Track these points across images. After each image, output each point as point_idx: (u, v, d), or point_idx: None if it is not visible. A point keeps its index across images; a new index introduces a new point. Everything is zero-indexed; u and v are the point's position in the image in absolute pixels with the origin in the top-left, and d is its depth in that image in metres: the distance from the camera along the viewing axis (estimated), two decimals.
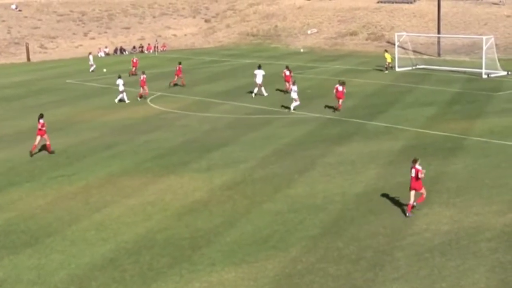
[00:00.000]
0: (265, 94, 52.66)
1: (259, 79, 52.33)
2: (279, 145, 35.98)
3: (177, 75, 59.30)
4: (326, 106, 46.27)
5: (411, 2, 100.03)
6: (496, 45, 65.27)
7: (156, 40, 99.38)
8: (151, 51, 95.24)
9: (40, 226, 24.88)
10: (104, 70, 73.18)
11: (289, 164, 32.13)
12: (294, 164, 31.98)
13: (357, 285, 19.09)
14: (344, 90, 44.93)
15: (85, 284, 19.85)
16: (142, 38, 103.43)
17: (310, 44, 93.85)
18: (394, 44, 71.04)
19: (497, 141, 35.05)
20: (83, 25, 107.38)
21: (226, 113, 46.27)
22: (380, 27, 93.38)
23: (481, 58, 60.51)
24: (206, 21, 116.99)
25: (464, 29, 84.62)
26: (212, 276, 20.02)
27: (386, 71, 64.76)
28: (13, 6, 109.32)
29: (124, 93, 51.82)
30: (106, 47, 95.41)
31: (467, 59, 71.65)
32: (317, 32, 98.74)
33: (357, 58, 78.95)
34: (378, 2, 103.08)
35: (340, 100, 44.83)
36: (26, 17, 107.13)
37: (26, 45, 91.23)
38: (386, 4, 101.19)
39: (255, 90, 52.77)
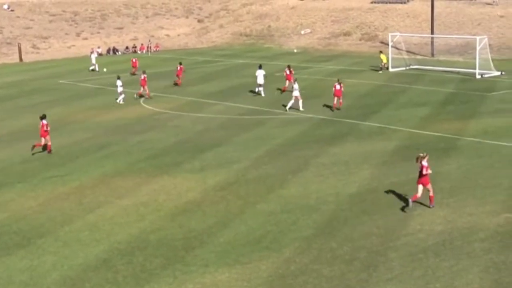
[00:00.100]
0: (263, 94, 52.70)
1: (260, 80, 52.44)
2: (273, 146, 35.93)
3: (178, 75, 59.42)
4: (325, 105, 46.39)
5: (404, 2, 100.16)
6: (489, 45, 65.39)
7: (149, 40, 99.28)
8: (144, 51, 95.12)
9: (33, 227, 24.75)
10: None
11: (282, 164, 32.08)
12: (287, 165, 31.93)
13: (350, 285, 19.03)
14: (342, 88, 45.25)
15: (78, 285, 19.74)
16: (135, 38, 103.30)
17: (303, 44, 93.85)
18: (388, 44, 71.08)
19: (490, 142, 35.06)
20: (75, 25, 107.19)
21: (219, 113, 46.20)
22: (374, 27, 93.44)
23: (475, 58, 60.59)
24: (199, 21, 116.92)
25: (457, 29, 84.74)
26: (206, 277, 19.94)
27: (380, 72, 64.79)
28: (5, 6, 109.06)
29: (122, 95, 51.67)
30: (99, 47, 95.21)
31: (460, 59, 71.75)
32: (311, 32, 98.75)
33: (351, 58, 78.97)
34: (371, 2, 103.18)
35: (336, 98, 45.15)
36: (18, 17, 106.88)
37: (18, 45, 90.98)
38: (380, 4, 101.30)
39: (260, 89, 53.13)
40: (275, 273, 20.02)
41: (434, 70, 65.02)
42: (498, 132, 37.26)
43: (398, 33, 76.02)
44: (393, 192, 27.06)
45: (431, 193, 25.13)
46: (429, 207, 25.07)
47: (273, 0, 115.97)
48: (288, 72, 53.24)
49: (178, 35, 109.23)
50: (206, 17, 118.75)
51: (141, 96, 53.05)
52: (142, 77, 53.01)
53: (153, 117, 45.70)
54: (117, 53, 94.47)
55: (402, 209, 25.00)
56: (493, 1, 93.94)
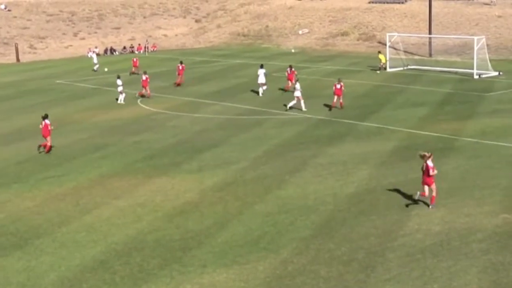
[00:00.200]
0: (260, 94, 52.72)
1: (261, 79, 52.52)
2: (270, 146, 35.87)
3: (179, 75, 59.48)
4: (322, 106, 46.43)
5: (402, 2, 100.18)
6: (487, 45, 65.38)
7: (147, 40, 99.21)
8: (141, 51, 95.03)
9: (29, 227, 24.68)
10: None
11: (280, 165, 32.03)
12: (285, 165, 31.88)
13: (348, 286, 18.97)
14: (343, 88, 45.49)
15: (75, 286, 19.67)
16: (133, 38, 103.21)
17: (301, 44, 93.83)
18: (386, 45, 71.06)
19: (488, 142, 35.03)
20: (73, 25, 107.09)
21: (217, 113, 46.14)
22: (372, 27, 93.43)
23: (473, 58, 60.60)
24: (196, 21, 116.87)
25: (455, 30, 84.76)
26: (203, 277, 19.88)
27: (378, 72, 64.78)
28: (2, 6, 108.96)
29: (123, 95, 51.60)
30: (96, 47, 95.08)
31: (458, 59, 71.76)
32: (308, 32, 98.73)
33: (348, 58, 78.95)
34: (369, 2, 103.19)
35: (336, 98, 45.37)
36: (15, 17, 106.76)
37: (15, 45, 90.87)
38: (377, 4, 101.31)
39: (261, 89, 53.29)
40: (272, 273, 19.97)
41: (432, 70, 65.01)
42: (496, 132, 37.23)
43: (396, 33, 76.02)
44: (391, 192, 27.03)
45: (434, 193, 25.11)
46: (428, 206, 25.03)
47: (271, 0, 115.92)
48: (289, 71, 53.31)
49: (176, 35, 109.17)
50: (204, 17, 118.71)
51: (142, 96, 53.03)
52: (144, 77, 53.06)
53: (150, 117, 45.62)
54: (114, 53, 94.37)
55: (407, 205, 25.20)
56: (491, 1, 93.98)
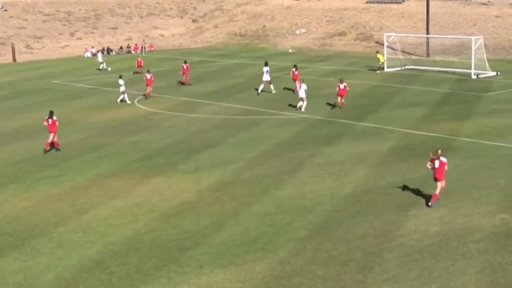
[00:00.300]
0: (259, 91, 52.89)
1: (266, 77, 52.76)
2: (267, 146, 35.81)
3: (184, 74, 59.56)
4: (320, 106, 46.47)
5: (400, 2, 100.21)
6: (485, 45, 65.42)
7: (144, 40, 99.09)
8: (138, 51, 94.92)
9: (26, 228, 24.60)
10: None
11: (277, 165, 31.97)
12: (282, 165, 31.82)
13: (346, 287, 18.92)
14: (347, 87, 45.72)
15: (72, 287, 19.60)
16: (130, 38, 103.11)
17: (298, 44, 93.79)
18: (383, 45, 71.06)
19: (486, 142, 35.00)
20: (69, 25, 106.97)
21: (214, 113, 46.08)
22: (369, 27, 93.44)
23: (470, 58, 60.56)
24: (193, 21, 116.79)
25: (453, 30, 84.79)
26: (200, 278, 19.82)
27: (378, 71, 64.73)
28: None
29: (125, 94, 51.56)
30: (92, 47, 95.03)
31: (456, 59, 71.75)
32: (306, 32, 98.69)
33: (346, 58, 78.94)
34: (366, 2, 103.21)
35: (339, 98, 45.59)
36: (11, 17, 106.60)
37: (11, 45, 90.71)
38: (375, 4, 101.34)
39: (271, 87, 53.69)
40: (270, 274, 19.91)
41: (429, 70, 65.01)
42: (493, 132, 37.21)
43: (393, 33, 76.01)
44: (388, 192, 26.99)
45: (437, 191, 25.18)
46: (427, 204, 25.02)
47: (268, 0, 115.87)
48: (296, 72, 53.46)
49: (173, 35, 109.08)
50: (201, 17, 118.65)
51: (146, 96, 53.09)
52: (148, 76, 53.06)
53: (147, 117, 45.55)
54: (111, 53, 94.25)
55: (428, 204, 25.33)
56: (489, 1, 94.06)
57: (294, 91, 52.26)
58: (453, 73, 62.47)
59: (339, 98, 45.64)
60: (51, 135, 36.01)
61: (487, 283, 18.78)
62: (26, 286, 19.76)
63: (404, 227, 23.22)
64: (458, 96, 50.01)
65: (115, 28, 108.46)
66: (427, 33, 77.80)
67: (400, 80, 59.05)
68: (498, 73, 60.41)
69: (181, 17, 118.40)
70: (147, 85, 53.20)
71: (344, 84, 45.59)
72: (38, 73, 74.02)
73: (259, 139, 37.65)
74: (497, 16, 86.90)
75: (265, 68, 53.72)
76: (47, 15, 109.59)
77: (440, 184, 25.23)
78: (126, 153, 35.53)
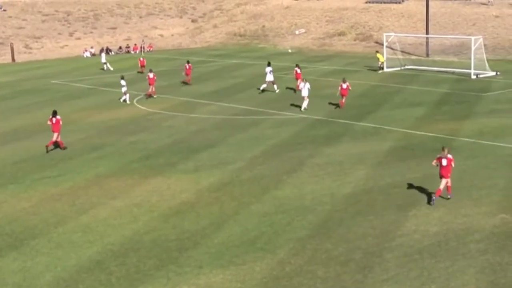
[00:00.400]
0: (261, 88, 53.49)
1: (269, 77, 52.77)
2: (267, 146, 35.78)
3: (187, 74, 59.61)
4: (320, 105, 46.56)
5: (399, 2, 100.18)
6: (484, 45, 65.41)
7: (143, 40, 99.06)
8: (137, 51, 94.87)
9: (25, 228, 24.55)
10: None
11: (277, 165, 31.93)
12: (282, 165, 31.78)
13: (346, 287, 18.89)
14: (349, 87, 45.95)
15: (71, 287, 19.56)
16: (129, 38, 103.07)
17: (298, 45, 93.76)
18: (383, 45, 71.02)
19: (486, 142, 34.97)
20: (68, 25, 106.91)
21: (213, 113, 46.03)
22: (369, 27, 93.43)
23: (470, 58, 60.53)
24: (193, 21, 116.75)
25: (452, 29, 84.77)
26: (200, 278, 19.78)
27: (380, 71, 64.66)
28: None
29: (127, 95, 51.52)
30: (91, 47, 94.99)
31: (455, 59, 71.73)
32: (305, 32, 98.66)
33: (345, 58, 78.92)
34: (366, 2, 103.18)
35: (343, 97, 45.78)
36: (10, 17, 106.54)
37: (10, 45, 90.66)
38: (374, 4, 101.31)
39: (275, 87, 53.87)
40: (269, 274, 19.87)
41: (429, 70, 64.98)
42: (493, 132, 37.18)
43: (392, 33, 75.97)
44: (388, 192, 26.96)
45: (441, 187, 25.43)
46: (429, 203, 25.25)
47: (267, 0, 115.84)
48: (298, 71, 53.64)
49: (172, 35, 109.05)
50: (200, 17, 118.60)
51: (150, 96, 53.04)
52: (151, 75, 53.09)
53: (146, 117, 45.50)
54: (110, 53, 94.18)
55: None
56: (488, 1, 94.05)
57: (295, 90, 52.32)
58: (453, 73, 62.45)
59: (343, 98, 45.75)
60: (55, 134, 36.06)
61: (487, 283, 18.75)
62: (25, 287, 19.72)
63: (404, 227, 23.19)
64: (458, 96, 49.98)
65: (114, 28, 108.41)
66: (427, 33, 77.77)
67: (399, 80, 59.02)
68: (498, 73, 60.39)
69: (180, 17, 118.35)
70: (149, 84, 53.21)
71: (347, 83, 45.69)
72: (37, 73, 73.97)
73: (258, 139, 37.61)
74: (496, 16, 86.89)
75: (269, 68, 53.84)
76: (46, 15, 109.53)
77: (444, 181, 25.47)
78: (126, 153, 35.49)
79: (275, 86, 53.79)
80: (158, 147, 36.55)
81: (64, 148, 36.29)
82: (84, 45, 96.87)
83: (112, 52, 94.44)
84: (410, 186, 27.65)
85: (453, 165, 25.62)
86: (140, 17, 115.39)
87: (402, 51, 74.72)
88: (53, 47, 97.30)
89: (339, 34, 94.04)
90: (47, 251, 22.27)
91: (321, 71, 67.45)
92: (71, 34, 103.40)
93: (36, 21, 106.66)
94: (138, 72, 69.04)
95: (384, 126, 39.62)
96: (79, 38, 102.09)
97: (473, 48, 60.21)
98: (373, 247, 21.51)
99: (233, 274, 19.96)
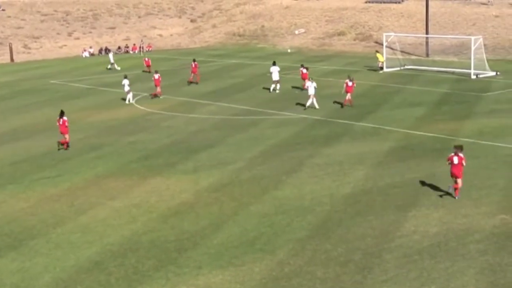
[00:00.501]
0: (274, 89, 53.65)
1: (275, 76, 52.87)
2: (266, 146, 35.72)
3: (193, 73, 59.63)
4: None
5: (399, 2, 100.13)
6: (484, 45, 65.35)
7: (142, 40, 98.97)
8: (136, 51, 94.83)
9: (24, 228, 24.51)
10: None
11: (276, 165, 31.87)
12: (281, 165, 31.73)
13: None
14: (354, 84, 46.29)
15: None
16: (128, 38, 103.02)
17: (297, 44, 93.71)
18: (382, 44, 70.96)
19: (485, 142, 34.90)
20: (67, 25, 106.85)
21: (212, 114, 45.98)
22: (368, 27, 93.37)
23: (470, 58, 60.43)
24: (192, 21, 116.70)
25: (452, 29, 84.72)
26: (199, 279, 19.73)
27: (381, 72, 64.56)
28: None
29: (131, 93, 51.50)
30: (90, 47, 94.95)
31: (455, 59, 71.67)
32: (305, 32, 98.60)
33: (345, 58, 78.85)
34: (366, 2, 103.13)
35: (349, 95, 46.02)
36: (9, 16, 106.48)
37: (9, 45, 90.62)
38: (374, 4, 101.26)
39: (276, 86, 53.87)
40: (269, 275, 19.82)
41: (429, 70, 64.92)
42: (493, 132, 37.12)
43: (392, 33, 75.89)
44: (387, 193, 26.90)
45: (460, 185, 25.77)
46: (450, 194, 25.72)
47: (267, 0, 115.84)
48: (304, 71, 53.83)
49: (171, 35, 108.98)
50: (199, 16, 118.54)
51: (155, 95, 53.00)
52: (156, 76, 53.09)
53: (145, 117, 45.46)
54: (109, 53, 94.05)
55: (441, 196, 26.01)
56: (488, 1, 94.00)
57: (302, 88, 52.37)
58: (453, 73, 62.38)
59: (348, 95, 45.82)
60: (66, 136, 36.15)
61: (486, 283, 18.70)
62: (23, 287, 19.67)
63: (403, 228, 23.13)
64: (458, 96, 49.92)
65: (113, 28, 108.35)
66: (427, 33, 77.71)
67: (399, 80, 58.96)
68: (498, 73, 60.32)
69: (180, 17, 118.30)
70: (155, 85, 53.21)
71: (354, 81, 45.96)
72: (36, 73, 73.93)
73: (258, 139, 37.55)
74: (496, 16, 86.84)
75: (276, 68, 53.85)
76: (45, 15, 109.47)
77: (459, 181, 25.73)
78: (125, 153, 35.44)
79: (277, 86, 53.77)
80: (157, 147, 36.49)
81: (66, 149, 36.21)
82: (83, 45, 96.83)
83: (111, 52, 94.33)
84: (410, 186, 27.60)
85: (464, 163, 25.73)
86: (139, 17, 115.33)
87: (402, 51, 74.68)
88: (52, 47, 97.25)
89: (339, 34, 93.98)
90: (45, 252, 22.23)
91: (321, 71, 67.35)
92: (70, 34, 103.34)
93: (35, 21, 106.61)
94: (144, 71, 69.25)
95: (384, 126, 39.57)
96: (78, 38, 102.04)
97: (473, 48, 60.14)
98: (373, 248, 21.46)
99: (232, 275, 19.90)
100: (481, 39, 62.88)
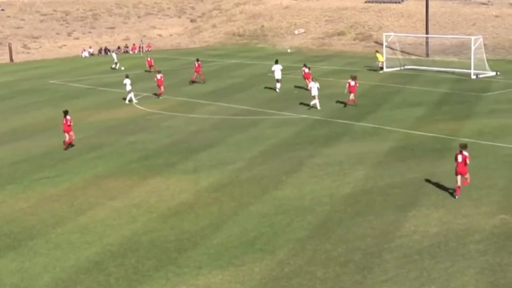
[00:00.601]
0: (277, 90, 53.47)
1: (277, 74, 52.91)
2: (266, 146, 35.70)
3: (196, 72, 59.67)
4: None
5: (399, 2, 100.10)
6: (484, 45, 65.30)
7: (141, 40, 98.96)
8: (136, 51, 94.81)
9: (24, 228, 24.49)
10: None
11: (276, 165, 31.85)
12: (281, 165, 31.70)
13: None
14: (357, 84, 46.41)
15: None
16: (127, 38, 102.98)
17: (297, 44, 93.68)
18: (382, 44, 70.93)
19: (485, 142, 34.87)
20: (66, 25, 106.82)
21: (212, 114, 45.96)
22: (368, 27, 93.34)
23: (470, 58, 60.37)
24: (191, 21, 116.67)
25: (452, 29, 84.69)
26: (199, 279, 19.71)
27: (381, 71, 64.50)
28: None
29: (132, 93, 51.49)
30: (90, 47, 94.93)
31: (455, 59, 71.62)
32: (304, 32, 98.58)
33: (345, 58, 78.80)
34: (365, 2, 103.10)
35: (352, 95, 46.11)
36: (8, 16, 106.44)
37: (9, 45, 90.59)
38: (374, 4, 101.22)
39: (278, 85, 53.89)
40: (268, 275, 19.80)
41: (429, 70, 64.88)
42: (493, 132, 37.10)
43: (392, 33, 75.85)
44: (387, 193, 26.87)
45: (468, 180, 26.10)
46: (455, 195, 25.76)
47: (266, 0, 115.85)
48: (306, 70, 53.76)
49: (171, 35, 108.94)
50: (199, 16, 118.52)
51: (157, 95, 53.05)
52: (159, 77, 53.13)
53: (145, 117, 45.43)
54: (108, 53, 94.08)
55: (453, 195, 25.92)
56: (488, 1, 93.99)
57: (306, 88, 52.35)
58: (453, 73, 62.34)
59: (351, 95, 45.87)
60: (71, 134, 36.16)
61: (486, 284, 18.68)
62: (23, 287, 19.65)
63: (403, 228, 23.12)
64: (458, 96, 49.90)
65: (113, 28, 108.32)
66: (427, 33, 77.67)
67: (399, 80, 58.93)
68: (498, 73, 60.28)
69: (179, 17, 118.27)
70: (158, 85, 53.21)
71: (355, 81, 46.01)
72: (35, 73, 73.89)
73: (258, 139, 37.53)
74: (496, 16, 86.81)
75: (279, 66, 53.88)
76: (45, 14, 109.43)
77: (460, 178, 25.81)
78: (124, 153, 35.41)
79: (278, 85, 53.78)
80: (157, 147, 36.47)
81: (65, 148, 36.19)
82: (82, 45, 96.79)
83: (111, 52, 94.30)
84: (410, 186, 27.58)
85: (468, 162, 25.86)
86: (139, 17, 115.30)
87: (401, 51, 74.64)
88: (52, 47, 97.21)
89: (339, 34, 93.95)
90: (45, 252, 22.21)
91: (321, 71, 67.27)
92: (69, 34, 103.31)
93: (34, 21, 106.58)
94: (146, 71, 69.32)
95: (384, 126, 39.54)
96: (77, 38, 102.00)
97: (473, 48, 60.11)
98: (373, 248, 21.44)
99: (232, 275, 19.89)
100: (481, 39, 62.86)
